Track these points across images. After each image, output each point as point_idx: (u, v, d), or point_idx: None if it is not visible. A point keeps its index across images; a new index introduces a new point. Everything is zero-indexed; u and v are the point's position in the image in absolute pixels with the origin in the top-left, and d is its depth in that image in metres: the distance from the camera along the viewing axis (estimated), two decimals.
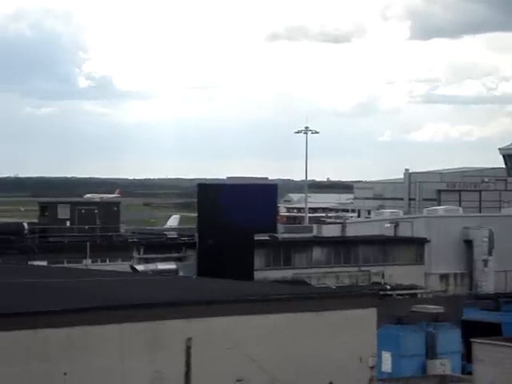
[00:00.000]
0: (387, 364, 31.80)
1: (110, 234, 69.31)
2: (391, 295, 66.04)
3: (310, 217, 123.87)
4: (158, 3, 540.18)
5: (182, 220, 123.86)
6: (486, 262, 76.97)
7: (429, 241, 76.50)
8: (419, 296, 69.66)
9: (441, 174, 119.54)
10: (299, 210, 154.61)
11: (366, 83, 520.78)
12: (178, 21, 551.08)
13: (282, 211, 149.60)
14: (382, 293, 60.98)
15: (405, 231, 77.62)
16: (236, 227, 63.13)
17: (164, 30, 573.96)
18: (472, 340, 32.82)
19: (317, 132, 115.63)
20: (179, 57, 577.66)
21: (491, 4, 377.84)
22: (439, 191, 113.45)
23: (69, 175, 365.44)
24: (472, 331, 34.62)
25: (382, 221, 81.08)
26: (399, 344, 32.06)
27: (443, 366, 32.06)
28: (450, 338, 32.87)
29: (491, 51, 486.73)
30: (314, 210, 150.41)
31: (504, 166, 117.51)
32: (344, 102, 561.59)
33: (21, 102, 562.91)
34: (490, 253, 77.07)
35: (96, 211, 70.78)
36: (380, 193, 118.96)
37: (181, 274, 62.01)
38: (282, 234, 74.63)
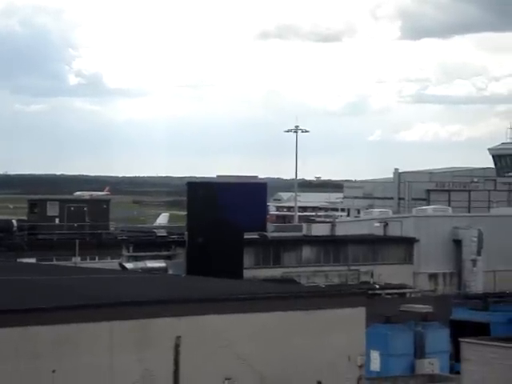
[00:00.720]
0: (376, 363, 31.85)
1: (99, 231, 69.20)
2: (380, 294, 66.13)
3: (299, 216, 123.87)
4: (149, 1, 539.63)
5: (171, 218, 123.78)
6: (474, 261, 77.14)
7: (418, 240, 76.62)
8: (408, 295, 69.76)
9: (430, 173, 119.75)
10: (289, 208, 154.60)
11: (357, 83, 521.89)
12: (169, 19, 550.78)
13: (272, 210, 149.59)
14: (370, 292, 61.07)
15: (394, 231, 77.74)
16: (226, 226, 63.11)
17: (155, 28, 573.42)
18: (460, 339, 32.91)
19: (307, 131, 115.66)
20: (170, 55, 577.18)
21: (481, 4, 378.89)
22: (428, 191, 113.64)
23: (58, 172, 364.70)
24: (460, 331, 34.71)
25: (371, 220, 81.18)
26: (388, 343, 32.10)
27: (431, 365, 32.12)
28: (438, 338, 32.93)
29: (481, 51, 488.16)
30: (304, 208, 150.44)
31: (493, 166, 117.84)
32: (334, 101, 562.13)
33: (11, 98, 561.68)
34: (478, 253, 77.24)
35: (85, 209, 70.64)
36: (369, 192, 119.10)
37: (170, 272, 61.94)
38: (272, 232, 74.62)
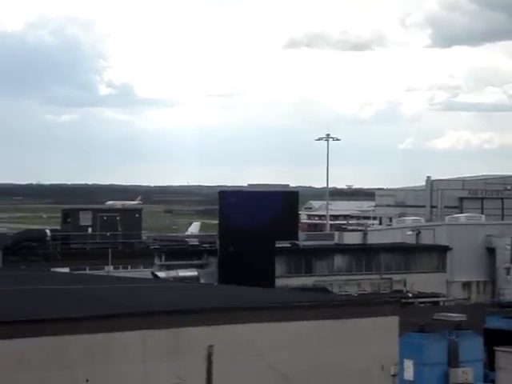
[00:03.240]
0: (409, 372, 31.62)
1: (131, 240, 69.54)
2: (413, 303, 65.77)
3: (331, 224, 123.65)
4: (179, 11, 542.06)
5: (202, 227, 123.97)
6: (508, 269, 76.56)
7: (451, 248, 76.17)
8: (441, 304, 69.36)
9: (463, 181, 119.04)
10: (320, 217, 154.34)
11: (387, 90, 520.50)
12: (200, 28, 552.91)
13: (303, 218, 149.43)
14: (403, 301, 60.77)
15: (427, 239, 77.35)
16: (257, 234, 63.08)
17: (185, 38, 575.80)
18: (495, 348, 32.60)
19: (338, 139, 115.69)
20: (200, 64, 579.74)
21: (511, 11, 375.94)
22: (461, 199, 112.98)
23: (90, 182, 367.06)
24: (494, 339, 34.38)
25: (403, 228, 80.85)
26: (421, 352, 31.87)
27: (465, 374, 31.83)
28: (472, 347, 32.64)
29: None
30: (336, 217, 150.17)
31: None
32: (365, 109, 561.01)
33: (42, 109, 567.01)
34: None
35: (118, 218, 71.02)
36: (402, 200, 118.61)
37: (202, 280, 62.05)
38: (303, 241, 74.50)
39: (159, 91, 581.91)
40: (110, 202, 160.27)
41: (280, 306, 22.20)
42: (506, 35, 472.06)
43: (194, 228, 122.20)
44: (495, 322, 37.88)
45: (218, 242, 66.86)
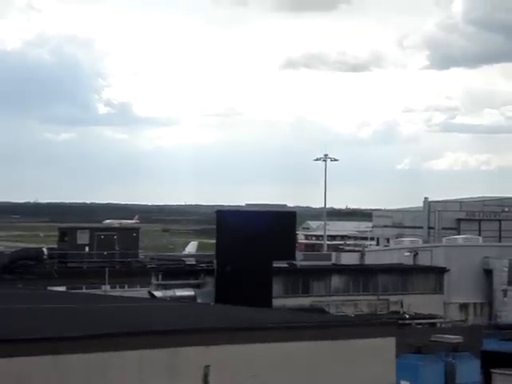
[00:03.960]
0: None
1: (128, 259, 69.47)
2: (410, 324, 65.67)
3: (328, 244, 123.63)
4: (177, 32, 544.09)
5: (200, 246, 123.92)
6: (505, 291, 76.48)
7: (448, 270, 76.13)
8: (438, 325, 69.24)
9: (460, 202, 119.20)
10: (318, 237, 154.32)
11: (385, 112, 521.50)
12: (198, 48, 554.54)
13: (301, 238, 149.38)
14: (400, 322, 60.68)
15: (424, 260, 77.31)
16: (254, 254, 63.06)
17: (183, 58, 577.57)
18: (492, 370, 32.58)
19: (336, 159, 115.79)
20: (198, 84, 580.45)
21: (510, 33, 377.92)
22: (459, 220, 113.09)
23: (88, 201, 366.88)
24: (491, 361, 34.36)
25: (401, 249, 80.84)
26: (418, 374, 31.83)
27: None
28: (469, 368, 32.61)
29: (510, 80, 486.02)
30: (333, 237, 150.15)
31: None
32: (363, 129, 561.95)
33: (41, 127, 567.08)
34: (509, 283, 76.58)
35: (115, 237, 71.02)
36: (399, 221, 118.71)
37: (199, 300, 61.95)
38: (301, 261, 74.44)
39: (157, 110, 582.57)
40: (108, 221, 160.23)
41: (277, 326, 22.20)
42: (504, 57, 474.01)
43: (191, 247, 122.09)
44: (492, 344, 37.87)
45: (215, 261, 66.83)
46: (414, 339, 33.92)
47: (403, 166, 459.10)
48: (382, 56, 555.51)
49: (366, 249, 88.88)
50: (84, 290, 58.98)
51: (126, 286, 66.09)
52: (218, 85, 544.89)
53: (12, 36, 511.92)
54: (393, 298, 72.25)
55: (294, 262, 71.00)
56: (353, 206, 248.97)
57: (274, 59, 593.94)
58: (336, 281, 72.13)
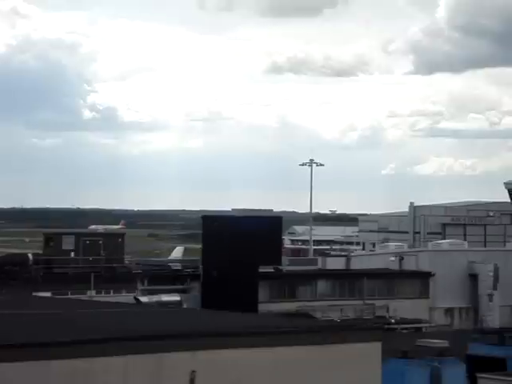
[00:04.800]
0: None
1: (114, 265, 69.26)
2: (396, 329, 65.77)
3: (314, 249, 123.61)
4: (163, 37, 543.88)
5: (186, 252, 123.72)
6: (490, 296, 76.68)
7: (433, 275, 76.29)
8: (424, 330, 69.37)
9: (445, 207, 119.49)
10: (304, 242, 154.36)
11: (370, 117, 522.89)
12: (183, 53, 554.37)
13: (287, 243, 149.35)
14: (386, 327, 60.77)
15: (409, 265, 77.45)
16: (240, 259, 63.04)
17: (169, 63, 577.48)
18: (478, 375, 32.64)
19: (322, 164, 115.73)
20: (183, 89, 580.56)
21: (494, 39, 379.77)
22: (444, 225, 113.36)
23: (73, 206, 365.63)
24: (477, 366, 34.43)
25: (386, 254, 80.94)
26: (404, 378, 31.85)
27: None
28: (454, 373, 32.66)
29: (494, 86, 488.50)
30: (319, 242, 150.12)
31: (509, 200, 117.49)
32: (348, 134, 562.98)
33: (26, 132, 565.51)
34: (495, 287, 76.79)
35: (100, 242, 70.80)
36: (385, 226, 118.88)
37: (185, 305, 61.85)
38: (287, 266, 74.45)
39: (143, 115, 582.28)
40: (93, 227, 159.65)
41: (263, 331, 22.19)
42: (488, 62, 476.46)
43: (178, 253, 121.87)
44: (478, 349, 37.94)
45: (201, 266, 66.75)
46: (400, 344, 33.97)
47: (388, 171, 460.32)
48: (367, 61, 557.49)
49: (352, 254, 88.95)
50: (69, 296, 58.77)
51: (112, 292, 65.87)
52: (204, 90, 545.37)
53: None
54: (379, 303, 72.35)
55: (280, 267, 71.00)
56: (339, 210, 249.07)
57: (260, 64, 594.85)
58: (322, 286, 72.17)
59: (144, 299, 62.61)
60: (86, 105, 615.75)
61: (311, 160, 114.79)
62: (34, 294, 53.76)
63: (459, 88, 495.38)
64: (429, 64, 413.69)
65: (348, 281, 73.11)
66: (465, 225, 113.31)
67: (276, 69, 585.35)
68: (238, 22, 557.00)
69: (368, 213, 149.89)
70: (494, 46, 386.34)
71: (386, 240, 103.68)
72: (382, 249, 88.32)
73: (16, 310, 26.03)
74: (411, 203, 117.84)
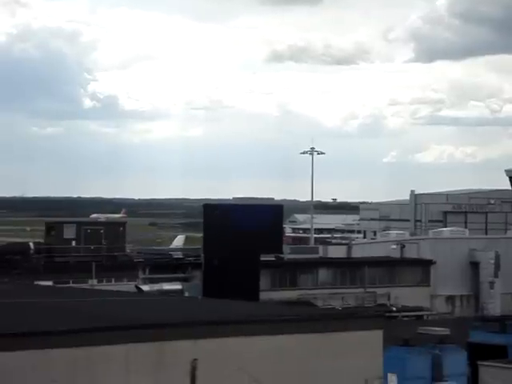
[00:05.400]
0: None
1: (115, 253, 69.34)
2: (397, 317, 65.83)
3: (315, 238, 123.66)
4: (164, 25, 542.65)
5: (187, 240, 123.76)
6: (492, 284, 76.73)
7: (435, 262, 76.32)
8: (425, 318, 69.44)
9: (446, 195, 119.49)
10: (305, 230, 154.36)
11: (371, 104, 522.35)
12: (183, 42, 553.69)
13: (288, 232, 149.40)
14: (387, 314, 60.82)
15: (411, 253, 77.47)
16: (241, 247, 63.05)
17: (169, 51, 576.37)
18: (478, 362, 32.67)
19: (323, 153, 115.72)
20: (184, 78, 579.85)
21: (495, 26, 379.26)
22: (445, 213, 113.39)
23: (74, 195, 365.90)
24: (478, 354, 34.45)
25: (387, 242, 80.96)
26: (405, 366, 31.87)
27: None
28: (456, 361, 32.67)
29: (494, 73, 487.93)
30: (320, 230, 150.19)
31: (510, 187, 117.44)
32: (349, 123, 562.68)
33: (27, 121, 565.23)
34: (496, 275, 76.83)
35: (102, 231, 70.87)
36: (386, 214, 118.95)
37: (186, 294, 61.91)
38: (288, 254, 74.48)
39: (143, 104, 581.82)
40: (94, 215, 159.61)
41: (264, 319, 22.18)
42: (489, 50, 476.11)
43: (179, 241, 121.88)
44: (479, 337, 37.96)
45: (202, 255, 66.78)
46: (401, 332, 33.98)
47: (389, 159, 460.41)
48: (367, 49, 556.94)
49: (353, 242, 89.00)
50: (71, 285, 58.82)
51: (113, 280, 65.97)
52: (204, 78, 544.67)
53: None
54: (380, 291, 72.41)
55: (281, 256, 71.05)
56: (340, 199, 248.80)
57: (260, 52, 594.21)
58: (323, 274, 72.21)
59: (145, 288, 62.66)
60: (86, 94, 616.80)
61: (312, 148, 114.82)
62: (35, 282, 53.83)
63: (460, 75, 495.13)
64: (429, 52, 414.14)
65: (349, 269, 73.15)
66: (466, 212, 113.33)
67: (276, 57, 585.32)
68: (238, 10, 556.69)
69: (369, 201, 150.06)
70: (494, 33, 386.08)
71: (387, 228, 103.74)
72: (383, 237, 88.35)
73: (17, 298, 26.04)
74: (412, 191, 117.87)
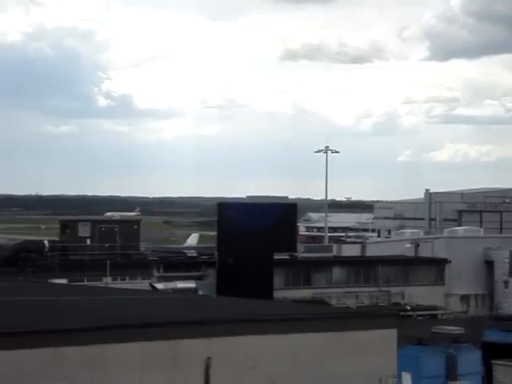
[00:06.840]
0: None
1: (130, 252, 69.41)
2: (411, 316, 65.69)
3: (329, 236, 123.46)
4: (178, 24, 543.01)
5: (201, 238, 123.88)
6: (506, 283, 76.43)
7: (449, 261, 76.10)
8: (440, 317, 69.26)
9: (461, 194, 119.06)
10: (319, 229, 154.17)
11: (385, 103, 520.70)
12: (197, 40, 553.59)
13: (302, 230, 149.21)
14: (402, 313, 60.70)
15: (425, 252, 77.28)
16: (256, 246, 63.06)
17: (183, 50, 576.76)
18: (493, 361, 32.60)
19: (337, 151, 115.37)
20: (199, 76, 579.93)
21: (510, 25, 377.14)
22: (460, 212, 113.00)
23: (89, 193, 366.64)
24: (492, 353, 34.38)
25: (402, 241, 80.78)
26: (419, 365, 31.83)
27: None
28: (470, 360, 32.61)
29: (510, 72, 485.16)
30: (334, 229, 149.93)
31: None
32: (363, 121, 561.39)
33: (42, 120, 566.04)
34: (510, 274, 76.53)
35: (116, 229, 70.92)
36: (400, 213, 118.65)
37: (200, 292, 61.97)
38: (302, 253, 74.42)
39: (158, 103, 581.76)
40: (109, 214, 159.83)
41: (278, 318, 22.20)
42: (504, 48, 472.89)
43: (193, 240, 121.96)
44: (493, 336, 37.88)
45: (216, 253, 66.83)
46: (416, 331, 33.95)
47: (404, 158, 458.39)
48: (382, 47, 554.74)
49: (368, 241, 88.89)
50: (85, 283, 58.99)
51: (128, 279, 66.05)
52: (218, 77, 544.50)
53: (12, 29, 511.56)
54: (394, 290, 72.25)
55: (296, 254, 71.01)
56: (354, 197, 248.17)
57: (274, 51, 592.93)
58: (337, 273, 72.13)
59: (159, 286, 62.75)
60: (100, 92, 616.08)
61: (326, 147, 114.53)
62: (49, 280, 54.04)
63: (475, 74, 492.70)
64: (444, 50, 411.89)
65: (363, 268, 73.04)
66: (481, 211, 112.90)
67: (291, 55, 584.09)
68: (251, 8, 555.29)
69: (383, 199, 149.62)
70: (509, 31, 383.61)
71: (402, 227, 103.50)
72: (397, 236, 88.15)
73: (33, 296, 26.16)
74: (427, 190, 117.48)
